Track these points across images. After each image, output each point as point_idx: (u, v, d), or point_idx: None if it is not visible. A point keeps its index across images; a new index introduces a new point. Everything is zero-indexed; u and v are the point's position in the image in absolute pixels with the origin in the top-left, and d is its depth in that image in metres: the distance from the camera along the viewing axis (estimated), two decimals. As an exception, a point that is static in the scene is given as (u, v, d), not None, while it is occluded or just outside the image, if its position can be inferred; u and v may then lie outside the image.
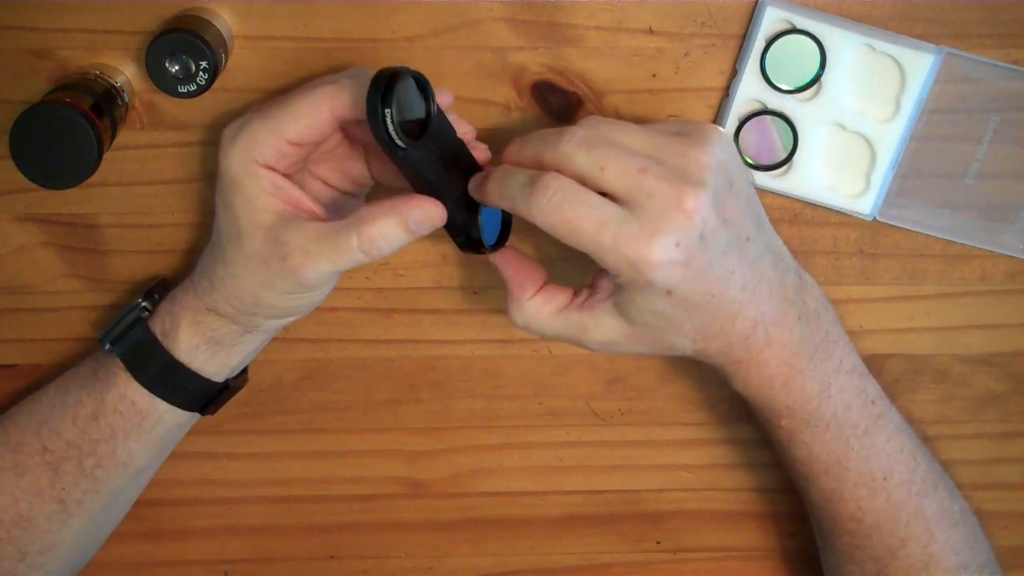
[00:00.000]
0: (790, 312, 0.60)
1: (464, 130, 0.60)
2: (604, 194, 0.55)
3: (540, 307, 0.60)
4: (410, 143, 0.55)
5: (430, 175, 0.57)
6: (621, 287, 0.57)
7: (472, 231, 0.60)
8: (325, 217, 0.59)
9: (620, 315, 0.58)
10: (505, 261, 0.61)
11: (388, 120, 0.54)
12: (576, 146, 0.55)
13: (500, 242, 0.62)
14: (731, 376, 0.62)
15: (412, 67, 0.56)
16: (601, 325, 0.59)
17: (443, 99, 0.59)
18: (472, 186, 0.59)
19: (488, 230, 0.61)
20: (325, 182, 0.62)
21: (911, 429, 0.66)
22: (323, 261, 0.57)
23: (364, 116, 0.54)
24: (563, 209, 0.54)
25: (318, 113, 0.57)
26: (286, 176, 0.59)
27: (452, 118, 0.59)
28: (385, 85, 0.54)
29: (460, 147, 0.60)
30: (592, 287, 0.60)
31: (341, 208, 0.62)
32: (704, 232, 0.55)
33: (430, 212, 0.57)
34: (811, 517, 0.69)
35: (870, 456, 0.63)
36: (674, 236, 0.54)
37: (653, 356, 0.61)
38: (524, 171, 0.56)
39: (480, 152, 0.60)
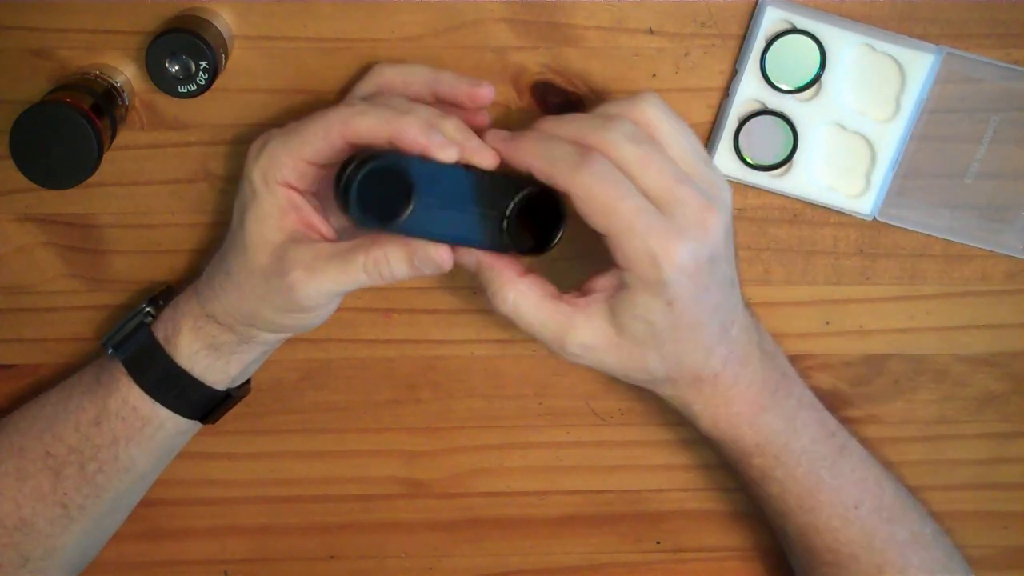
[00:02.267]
0: (754, 352, 0.62)
1: (488, 160, 0.57)
2: None
3: (531, 288, 0.58)
4: (389, 221, 0.55)
5: (434, 228, 0.57)
6: (626, 286, 0.56)
7: (512, 243, 0.59)
8: (335, 240, 0.59)
9: (612, 319, 0.58)
10: (483, 255, 0.59)
11: (353, 213, 0.53)
12: (624, 136, 0.56)
13: (546, 240, 0.60)
14: (698, 417, 0.63)
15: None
16: (590, 326, 0.58)
17: (448, 155, 0.56)
18: (497, 139, 0.58)
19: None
20: None
21: (873, 457, 0.68)
22: (326, 278, 0.57)
23: (374, 142, 0.55)
24: (607, 186, 0.55)
25: (330, 136, 0.56)
26: (309, 192, 0.59)
27: (473, 147, 0.57)
28: (350, 175, 0.53)
29: (476, 180, 0.58)
30: (582, 290, 0.59)
31: (357, 236, 0.62)
32: (713, 255, 0.56)
33: (435, 256, 0.56)
34: (788, 553, 0.69)
35: (841, 487, 0.65)
36: (693, 246, 0.55)
37: (622, 377, 0.61)
38: (571, 143, 0.56)
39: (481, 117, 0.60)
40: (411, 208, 0.55)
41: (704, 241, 0.56)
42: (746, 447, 0.63)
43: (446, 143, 0.56)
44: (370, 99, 0.59)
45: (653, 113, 0.57)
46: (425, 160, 0.55)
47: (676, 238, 0.55)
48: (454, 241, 0.58)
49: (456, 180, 0.57)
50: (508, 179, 0.59)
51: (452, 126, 0.57)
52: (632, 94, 0.58)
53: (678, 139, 0.57)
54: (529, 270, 0.59)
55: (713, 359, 0.60)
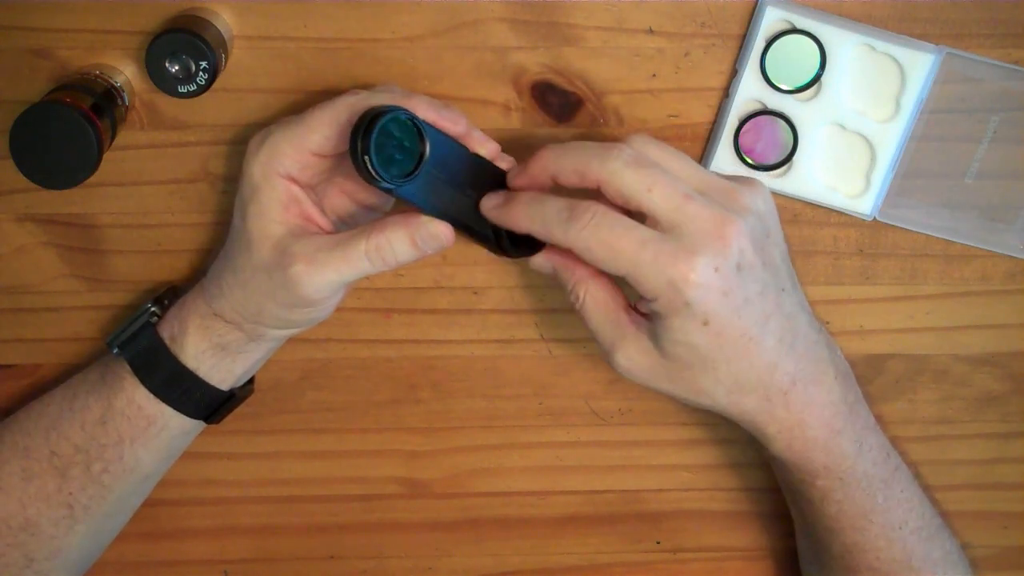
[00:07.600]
0: (828, 371, 0.61)
1: (489, 148, 0.59)
2: (641, 220, 0.56)
3: (599, 291, 0.59)
4: (403, 179, 0.56)
5: (437, 202, 0.58)
6: (658, 314, 0.56)
7: (506, 238, 0.60)
8: (334, 232, 0.59)
9: (655, 344, 0.58)
10: (558, 256, 0.60)
11: (368, 165, 0.54)
12: (625, 164, 0.56)
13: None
14: (771, 440, 0.61)
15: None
16: (637, 344, 0.58)
17: (457, 127, 0.58)
18: (490, 207, 0.59)
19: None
20: (349, 195, 0.62)
21: (915, 478, 0.67)
22: (329, 270, 0.57)
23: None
24: (602, 231, 0.55)
25: (336, 125, 0.57)
26: (309, 186, 0.59)
27: (477, 136, 0.59)
28: (367, 125, 0.54)
29: (476, 163, 0.59)
30: (641, 309, 0.59)
31: (359, 224, 0.62)
32: (741, 264, 0.55)
33: (437, 231, 0.57)
34: (821, 565, 0.69)
35: (890, 507, 0.64)
36: (713, 260, 0.55)
37: (687, 403, 0.60)
38: (559, 198, 0.57)
39: (506, 164, 0.60)
40: (425, 162, 0.56)
41: (725, 253, 0.55)
42: (814, 469, 0.62)
43: (455, 115, 0.58)
44: (376, 88, 0.59)
45: (643, 144, 0.57)
46: (434, 131, 0.57)
47: (689, 256, 0.54)
48: (452, 221, 0.58)
49: (458, 159, 0.59)
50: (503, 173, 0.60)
51: (456, 113, 0.59)
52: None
53: (677, 159, 0.57)
54: (606, 274, 0.59)
55: (778, 376, 0.58)
